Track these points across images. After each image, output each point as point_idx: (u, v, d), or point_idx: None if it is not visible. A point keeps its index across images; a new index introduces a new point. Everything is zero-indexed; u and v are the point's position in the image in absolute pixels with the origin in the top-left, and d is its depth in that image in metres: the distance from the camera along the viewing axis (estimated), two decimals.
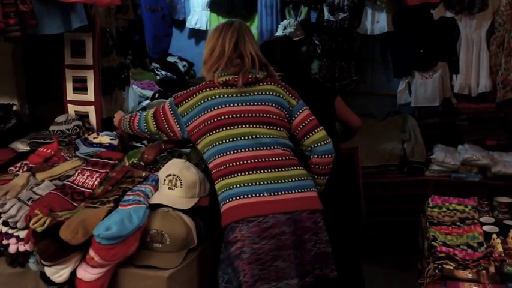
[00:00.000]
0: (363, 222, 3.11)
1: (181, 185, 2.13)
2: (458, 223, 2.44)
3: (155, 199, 2.15)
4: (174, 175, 2.14)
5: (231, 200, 1.94)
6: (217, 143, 2.03)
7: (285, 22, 4.47)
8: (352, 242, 2.79)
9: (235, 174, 1.97)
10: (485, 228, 2.38)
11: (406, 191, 3.72)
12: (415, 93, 4.22)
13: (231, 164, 1.99)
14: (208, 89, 2.09)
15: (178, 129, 2.17)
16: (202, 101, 2.07)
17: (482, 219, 2.50)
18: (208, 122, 2.05)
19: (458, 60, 4.11)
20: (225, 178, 1.98)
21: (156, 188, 2.23)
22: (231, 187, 1.96)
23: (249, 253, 1.87)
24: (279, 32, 4.41)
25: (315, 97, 2.53)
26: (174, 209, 2.10)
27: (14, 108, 3.17)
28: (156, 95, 4.01)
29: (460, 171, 3.73)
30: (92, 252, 1.94)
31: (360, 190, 3.09)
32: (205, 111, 2.07)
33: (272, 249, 1.88)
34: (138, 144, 2.87)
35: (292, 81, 2.45)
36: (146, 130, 2.28)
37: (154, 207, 2.12)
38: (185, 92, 2.12)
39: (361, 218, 3.10)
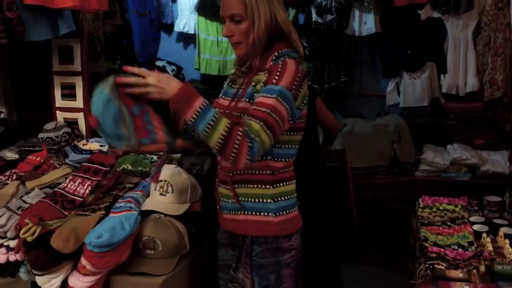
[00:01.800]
0: (355, 225, 3.12)
1: (172, 190, 2.13)
2: (449, 223, 2.46)
3: (147, 205, 2.14)
4: (166, 181, 2.14)
5: (296, 207, 1.85)
6: (297, 145, 1.84)
7: None
8: (334, 244, 2.80)
9: (294, 181, 1.86)
10: (475, 227, 2.41)
11: (397, 192, 3.75)
12: (403, 94, 4.24)
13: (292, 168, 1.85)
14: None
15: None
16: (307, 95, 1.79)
17: (472, 219, 2.53)
18: (303, 120, 1.82)
19: (446, 60, 4.15)
20: (293, 182, 1.84)
21: (147, 194, 2.23)
22: (295, 194, 1.85)
23: (298, 262, 1.85)
24: None
25: None
26: (165, 215, 2.10)
27: (2, 115, 3.16)
28: None
29: (450, 171, 3.76)
30: (83, 260, 1.93)
31: (350, 193, 3.10)
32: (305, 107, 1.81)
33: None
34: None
35: None
36: None
37: (146, 214, 2.11)
38: (298, 80, 1.69)
39: (353, 221, 3.11)
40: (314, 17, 4.42)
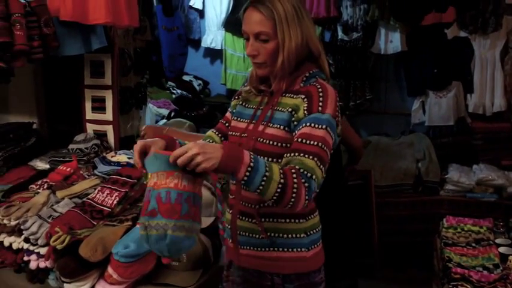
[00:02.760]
0: (375, 251, 3.10)
1: None
2: (474, 244, 2.43)
3: None
4: None
5: (321, 240, 1.75)
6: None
7: None
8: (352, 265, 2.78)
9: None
10: (501, 249, 2.38)
11: (421, 211, 3.71)
12: (429, 112, 4.23)
13: None
14: None
15: None
16: None
17: (498, 241, 2.50)
18: None
19: (473, 79, 4.13)
20: (317, 212, 1.74)
21: None
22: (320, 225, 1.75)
23: None
24: None
25: None
26: None
27: (34, 126, 3.24)
28: (172, 114, 4.07)
29: (475, 191, 3.72)
30: (110, 270, 1.97)
31: (373, 217, 3.09)
32: None
33: None
34: None
35: None
36: None
37: None
38: (338, 105, 1.62)
39: (373, 246, 3.09)
40: (340, 34, 4.46)
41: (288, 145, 1.54)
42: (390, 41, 4.32)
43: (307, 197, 1.41)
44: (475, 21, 4.02)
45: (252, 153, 1.40)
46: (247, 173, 1.36)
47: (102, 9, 2.60)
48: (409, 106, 4.44)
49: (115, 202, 2.29)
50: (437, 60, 4.16)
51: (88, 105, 3.18)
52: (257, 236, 1.65)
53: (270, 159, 1.56)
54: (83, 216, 2.22)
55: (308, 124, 1.51)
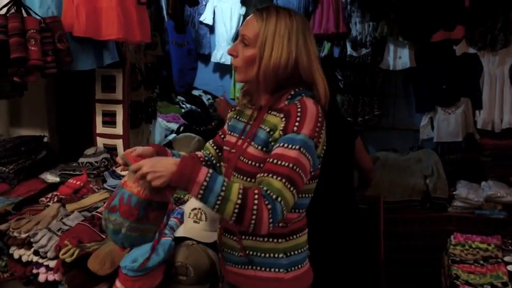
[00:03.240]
0: (381, 270, 3.09)
1: (206, 218, 2.18)
2: (482, 262, 2.42)
3: (180, 232, 2.20)
4: (199, 209, 2.19)
5: (307, 260, 1.70)
6: (312, 194, 1.67)
7: None
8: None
9: (306, 230, 1.71)
10: (510, 267, 2.36)
11: (429, 227, 3.68)
12: (437, 129, 4.23)
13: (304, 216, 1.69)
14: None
15: None
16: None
17: (506, 259, 2.48)
18: (319, 166, 1.64)
19: (481, 96, 4.12)
20: (305, 233, 1.69)
21: (182, 221, 2.29)
22: (307, 246, 1.70)
23: None
24: None
25: (337, 135, 2.56)
26: (198, 242, 2.15)
27: (45, 139, 3.28)
28: (181, 128, 4.10)
29: (484, 208, 3.69)
30: (118, 283, 1.98)
31: (380, 234, 3.08)
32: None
33: None
34: None
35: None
36: None
37: (179, 240, 2.17)
38: (319, 125, 1.52)
39: (379, 266, 3.08)
40: (349, 50, 4.49)
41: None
42: (399, 57, 4.34)
43: (271, 220, 1.37)
44: (484, 38, 4.03)
45: (211, 171, 1.39)
46: (201, 192, 1.37)
47: (114, 25, 2.65)
48: (417, 122, 4.44)
49: None
50: (446, 76, 4.16)
51: (99, 119, 3.22)
52: (236, 254, 1.64)
53: (249, 179, 1.55)
54: (92, 229, 2.25)
55: (281, 144, 1.46)
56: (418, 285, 3.54)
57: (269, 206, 1.37)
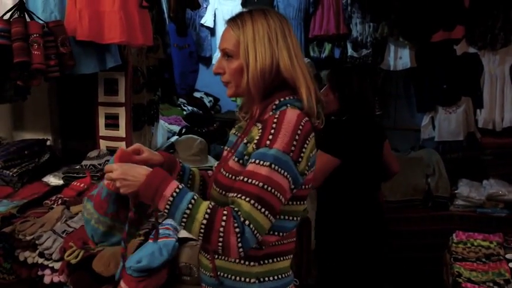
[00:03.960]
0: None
1: None
2: (484, 259, 2.44)
3: (184, 233, 2.21)
4: None
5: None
6: (298, 217, 1.53)
7: None
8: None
9: (290, 256, 1.55)
10: None
11: (431, 226, 3.70)
12: (438, 128, 4.24)
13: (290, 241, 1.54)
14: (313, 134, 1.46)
15: None
16: (314, 152, 1.47)
17: (508, 256, 2.50)
18: (308, 187, 1.50)
19: (482, 95, 4.14)
20: (287, 258, 1.53)
21: None
22: (289, 273, 1.54)
23: None
24: None
25: (372, 137, 2.59)
26: None
27: (48, 143, 3.30)
28: (183, 130, 4.11)
29: (486, 207, 3.71)
30: (123, 284, 1.99)
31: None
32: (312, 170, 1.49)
33: None
34: None
35: (358, 114, 2.48)
36: None
37: (183, 241, 2.18)
38: (298, 138, 1.37)
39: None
40: (350, 51, 4.51)
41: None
42: (399, 58, 4.37)
43: (240, 245, 1.27)
44: (484, 38, 4.05)
45: (181, 186, 1.32)
46: (167, 207, 1.30)
47: (117, 28, 2.66)
48: (418, 122, 4.45)
49: None
50: (447, 76, 4.18)
51: (101, 122, 3.24)
52: (208, 274, 1.52)
53: (224, 192, 1.44)
54: None
55: (253, 160, 1.35)
56: (420, 283, 3.55)
57: (237, 230, 1.27)
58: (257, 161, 1.34)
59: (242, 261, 1.45)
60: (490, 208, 3.69)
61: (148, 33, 2.88)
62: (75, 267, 2.10)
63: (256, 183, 1.31)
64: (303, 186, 1.45)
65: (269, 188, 1.31)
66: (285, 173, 1.33)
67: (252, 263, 1.45)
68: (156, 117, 3.66)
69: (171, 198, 1.30)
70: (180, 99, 4.84)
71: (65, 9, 2.72)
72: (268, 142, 1.35)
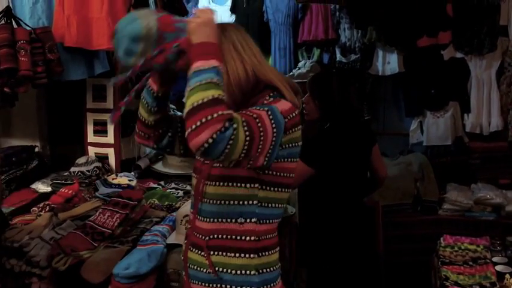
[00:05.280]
0: (382, 268, 3.11)
1: None
2: (471, 263, 2.46)
3: (172, 239, 2.22)
4: None
5: (280, 279, 1.61)
6: (283, 205, 1.61)
7: (301, 63, 4.58)
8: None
9: (278, 249, 1.61)
10: (498, 268, 2.40)
11: (420, 230, 3.72)
12: (427, 133, 4.27)
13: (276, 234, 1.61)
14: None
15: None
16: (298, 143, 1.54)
17: (494, 259, 2.52)
18: (290, 175, 1.56)
19: (469, 99, 4.18)
20: (277, 251, 1.59)
21: (173, 228, 2.30)
22: (279, 264, 1.60)
23: None
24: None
25: (355, 141, 2.58)
26: None
27: (36, 149, 3.28)
28: None
29: (474, 210, 3.74)
30: None
31: (379, 244, 3.10)
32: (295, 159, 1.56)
33: None
34: (155, 185, 2.96)
35: (340, 121, 2.48)
36: None
37: (171, 247, 2.18)
38: (292, 117, 1.47)
39: (380, 265, 3.10)
40: (338, 56, 4.54)
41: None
42: (388, 63, 4.39)
43: (215, 135, 1.25)
44: (470, 43, 4.09)
45: (216, 65, 1.35)
46: (199, 67, 1.33)
47: (105, 35, 2.67)
48: (407, 126, 4.48)
49: (116, 224, 2.33)
50: (435, 80, 4.21)
51: (90, 129, 3.24)
52: (204, 270, 1.52)
53: (222, 183, 1.50)
54: (84, 237, 2.26)
55: (252, 108, 1.42)
56: (409, 287, 3.56)
57: (222, 126, 1.26)
58: (255, 107, 1.41)
59: (242, 255, 1.49)
60: (478, 212, 3.71)
61: None
62: (63, 275, 2.09)
63: (250, 114, 1.36)
64: (284, 174, 1.51)
65: (258, 121, 1.35)
66: (274, 127, 1.38)
67: (252, 255, 1.50)
68: None
69: (212, 65, 1.34)
70: (170, 105, 4.83)
71: (52, 16, 2.72)
72: (265, 102, 1.46)
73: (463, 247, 2.63)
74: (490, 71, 4.11)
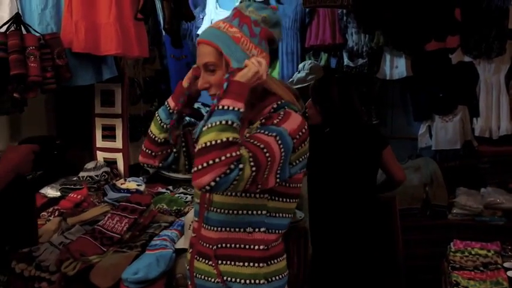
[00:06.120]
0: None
1: None
2: (481, 268, 2.43)
3: (181, 244, 2.21)
4: None
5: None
6: (291, 215, 1.62)
7: (300, 65, 4.55)
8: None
9: (285, 255, 1.62)
10: (510, 273, 2.37)
11: (429, 235, 3.69)
12: (435, 137, 4.25)
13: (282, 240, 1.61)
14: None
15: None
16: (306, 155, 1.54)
17: (506, 264, 2.48)
18: (298, 185, 1.58)
19: (478, 103, 4.16)
20: (284, 258, 1.60)
21: (182, 233, 2.30)
22: (287, 271, 1.61)
23: None
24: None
25: (357, 144, 2.57)
26: None
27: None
28: None
29: (484, 215, 3.70)
30: None
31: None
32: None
33: None
34: (164, 190, 2.96)
35: (340, 126, 2.46)
36: None
37: (180, 252, 2.18)
38: (301, 134, 1.46)
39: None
40: (346, 61, 4.53)
41: None
42: (395, 67, 4.38)
43: (218, 179, 1.27)
44: (479, 46, 4.07)
45: (241, 109, 1.36)
46: (224, 106, 1.34)
47: (113, 40, 2.68)
48: (415, 131, 4.46)
49: (125, 229, 2.33)
50: (443, 84, 4.19)
51: (98, 134, 3.25)
52: (213, 280, 1.51)
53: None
54: (93, 242, 2.26)
55: (259, 131, 1.41)
56: None
57: (229, 168, 1.28)
58: (263, 131, 1.40)
59: (251, 264, 1.49)
60: (488, 216, 3.68)
61: (144, 44, 2.91)
62: (72, 279, 2.09)
63: (256, 143, 1.36)
64: (293, 185, 1.52)
65: (265, 151, 1.35)
66: (282, 148, 1.39)
67: (261, 264, 1.50)
68: None
69: (228, 107, 1.34)
70: None
71: (61, 22, 2.74)
72: (276, 121, 1.42)
73: (473, 252, 2.60)
74: (499, 75, 4.09)
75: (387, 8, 3.38)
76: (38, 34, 2.62)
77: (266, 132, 1.39)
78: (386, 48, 4.33)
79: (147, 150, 1.67)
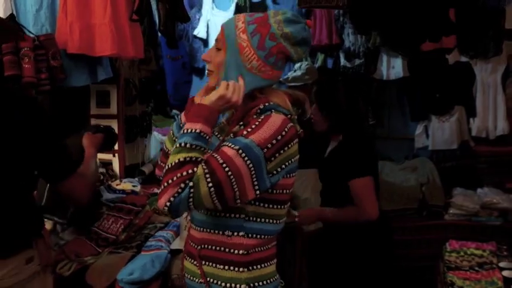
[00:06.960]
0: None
1: None
2: (477, 268, 2.44)
3: (176, 244, 2.21)
4: None
5: None
6: (280, 221, 1.57)
7: (297, 65, 4.50)
8: None
9: (274, 261, 1.59)
10: (505, 273, 2.38)
11: (425, 235, 3.69)
12: (432, 137, 4.25)
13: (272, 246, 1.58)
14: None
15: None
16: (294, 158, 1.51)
17: (501, 264, 2.49)
18: (286, 191, 1.54)
19: (475, 103, 4.16)
20: (273, 263, 1.56)
21: (177, 234, 2.30)
22: (276, 276, 1.56)
23: None
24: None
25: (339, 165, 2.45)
26: None
27: None
28: None
29: (480, 215, 3.70)
30: None
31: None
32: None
33: None
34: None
35: (353, 133, 2.40)
36: None
37: (175, 253, 2.17)
38: (278, 140, 1.42)
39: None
40: (342, 61, 4.53)
41: None
42: (392, 67, 4.39)
43: (170, 201, 1.33)
44: (475, 47, 4.06)
45: (204, 133, 1.39)
46: (187, 131, 1.40)
47: (108, 41, 2.67)
48: (412, 131, 4.46)
49: (120, 230, 2.32)
50: (440, 85, 4.20)
51: None
52: (197, 280, 1.52)
53: None
54: (89, 243, 2.26)
55: (225, 143, 1.41)
56: None
57: (179, 188, 1.33)
58: (228, 144, 1.40)
59: (231, 268, 1.47)
60: (485, 217, 3.68)
61: (139, 45, 2.89)
62: (68, 280, 2.09)
63: (218, 158, 1.36)
64: (278, 191, 1.49)
65: (226, 169, 1.35)
66: (249, 162, 1.37)
67: (241, 269, 1.47)
68: (149, 128, 3.66)
69: (187, 130, 1.40)
70: (174, 111, 4.83)
71: (55, 23, 2.72)
72: (245, 133, 1.41)
73: (469, 252, 2.60)
74: (496, 75, 4.10)
75: (382, 9, 3.38)
76: (32, 35, 2.61)
77: (231, 145, 1.39)
78: (383, 48, 4.33)
79: (162, 164, 1.69)
